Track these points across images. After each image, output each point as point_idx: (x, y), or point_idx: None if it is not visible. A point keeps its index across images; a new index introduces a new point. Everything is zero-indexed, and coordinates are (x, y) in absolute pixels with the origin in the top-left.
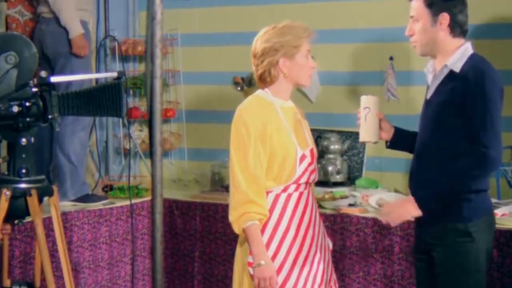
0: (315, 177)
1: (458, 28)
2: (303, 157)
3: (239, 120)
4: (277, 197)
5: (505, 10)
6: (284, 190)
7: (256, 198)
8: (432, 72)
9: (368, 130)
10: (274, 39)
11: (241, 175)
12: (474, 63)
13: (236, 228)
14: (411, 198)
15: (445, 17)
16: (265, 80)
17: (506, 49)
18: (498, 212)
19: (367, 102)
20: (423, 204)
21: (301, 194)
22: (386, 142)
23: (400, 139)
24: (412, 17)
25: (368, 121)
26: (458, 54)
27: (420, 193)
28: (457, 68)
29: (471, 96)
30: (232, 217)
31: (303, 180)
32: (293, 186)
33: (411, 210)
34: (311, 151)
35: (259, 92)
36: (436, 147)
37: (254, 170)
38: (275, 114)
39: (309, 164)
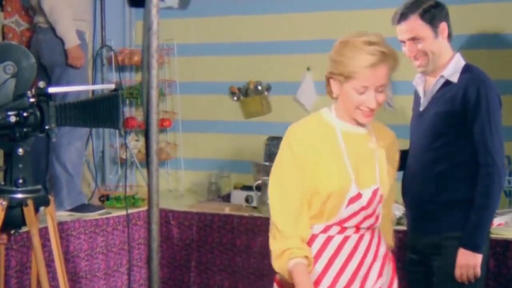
0: (372, 222)
1: (451, 35)
2: (356, 197)
3: (286, 138)
4: (313, 237)
5: (498, 21)
6: (324, 230)
7: (288, 229)
8: (421, 84)
9: None
10: (336, 49)
11: (275, 201)
12: (473, 73)
13: (279, 268)
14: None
15: (444, 27)
16: (328, 88)
17: (499, 59)
18: (494, 221)
19: None
20: (422, 213)
21: (346, 238)
22: None
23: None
24: (413, 38)
25: None
26: (453, 64)
27: (418, 203)
28: (454, 79)
29: (474, 106)
30: (272, 256)
31: (349, 224)
32: (336, 228)
33: (472, 262)
34: (375, 191)
35: (323, 110)
36: (436, 157)
37: (288, 198)
38: (333, 139)
39: (363, 208)
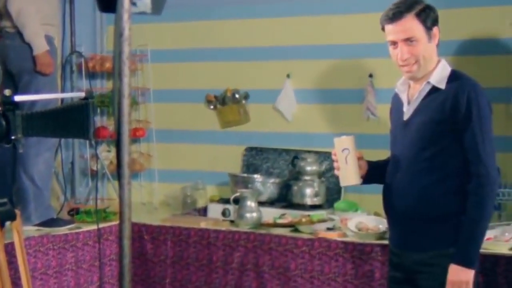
0: None
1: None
2: None
3: None
4: None
5: (486, 26)
6: None
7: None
8: (404, 91)
9: (350, 173)
10: None
11: None
12: (462, 80)
13: None
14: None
15: (436, 31)
16: None
17: (487, 66)
18: None
19: (346, 143)
20: (409, 229)
21: None
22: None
23: (373, 173)
24: (407, 39)
25: (350, 163)
26: (439, 70)
27: (405, 218)
28: (442, 85)
29: (465, 114)
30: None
31: None
32: None
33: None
34: None
35: None
36: (424, 169)
37: None
38: None
39: None
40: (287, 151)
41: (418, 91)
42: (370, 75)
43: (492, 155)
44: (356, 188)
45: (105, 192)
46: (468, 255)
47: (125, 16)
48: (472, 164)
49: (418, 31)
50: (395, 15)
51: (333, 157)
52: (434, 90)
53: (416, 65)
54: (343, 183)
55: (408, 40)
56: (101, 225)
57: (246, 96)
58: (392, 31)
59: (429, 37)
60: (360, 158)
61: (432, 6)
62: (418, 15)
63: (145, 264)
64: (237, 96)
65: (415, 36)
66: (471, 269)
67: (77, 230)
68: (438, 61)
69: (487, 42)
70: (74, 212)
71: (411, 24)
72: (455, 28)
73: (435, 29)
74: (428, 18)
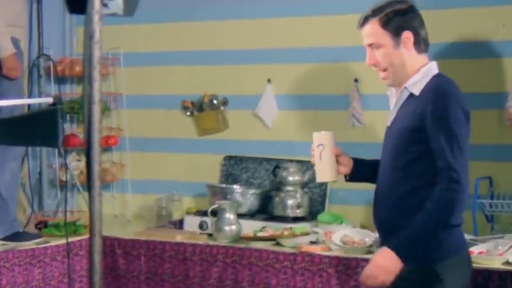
0: None
1: (422, 44)
2: None
3: None
4: None
5: (476, 27)
6: None
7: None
8: (394, 96)
9: (324, 169)
10: None
11: None
12: (436, 84)
13: None
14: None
15: (408, 36)
16: None
17: (477, 69)
18: (474, 250)
19: (321, 139)
20: (390, 239)
21: None
22: (345, 176)
23: (359, 171)
24: (371, 45)
25: (324, 159)
26: (419, 75)
27: (386, 229)
28: (416, 91)
29: (432, 121)
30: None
31: None
32: None
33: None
34: None
35: None
36: (399, 178)
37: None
38: None
39: None
40: (268, 160)
41: (398, 96)
42: (356, 80)
43: (465, 166)
44: (341, 199)
45: (75, 204)
46: (407, 247)
47: (96, 18)
48: (442, 170)
49: (381, 37)
50: (363, 20)
51: (311, 152)
52: (411, 95)
53: (386, 72)
54: (317, 179)
55: (371, 46)
56: (71, 239)
57: (224, 102)
58: (362, 35)
59: (397, 43)
60: (339, 155)
61: (409, 9)
62: (381, 20)
63: (117, 281)
64: (215, 102)
65: (378, 42)
66: (401, 262)
67: (45, 245)
68: (424, 65)
69: (478, 44)
70: (42, 226)
71: (373, 30)
72: (444, 30)
73: (405, 34)
74: (395, 23)
